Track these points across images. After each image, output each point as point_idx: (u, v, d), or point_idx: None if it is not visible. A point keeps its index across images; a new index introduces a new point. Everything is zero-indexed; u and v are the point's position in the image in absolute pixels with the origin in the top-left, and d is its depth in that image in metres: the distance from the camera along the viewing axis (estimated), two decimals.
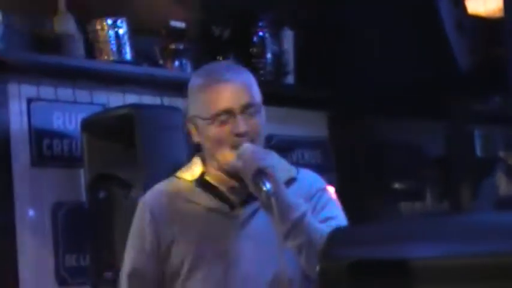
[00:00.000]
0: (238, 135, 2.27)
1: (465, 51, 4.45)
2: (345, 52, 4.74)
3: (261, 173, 2.19)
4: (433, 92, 4.65)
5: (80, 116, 3.95)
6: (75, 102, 4.06)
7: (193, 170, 2.40)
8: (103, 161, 3.75)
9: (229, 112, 2.28)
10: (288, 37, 4.83)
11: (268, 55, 4.68)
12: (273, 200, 2.16)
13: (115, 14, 4.08)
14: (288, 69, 4.81)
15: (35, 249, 3.86)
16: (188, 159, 3.70)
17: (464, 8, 4.54)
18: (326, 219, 2.32)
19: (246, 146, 2.26)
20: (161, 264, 2.35)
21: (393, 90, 4.65)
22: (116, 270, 3.59)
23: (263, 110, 2.36)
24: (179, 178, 2.43)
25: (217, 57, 4.56)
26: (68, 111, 4.04)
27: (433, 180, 5.43)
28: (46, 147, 3.97)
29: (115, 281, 3.59)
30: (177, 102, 4.34)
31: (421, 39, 4.40)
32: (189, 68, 4.41)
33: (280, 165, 2.35)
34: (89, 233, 3.80)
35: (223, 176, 2.35)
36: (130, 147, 3.61)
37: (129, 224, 3.61)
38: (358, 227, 1.37)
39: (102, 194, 3.69)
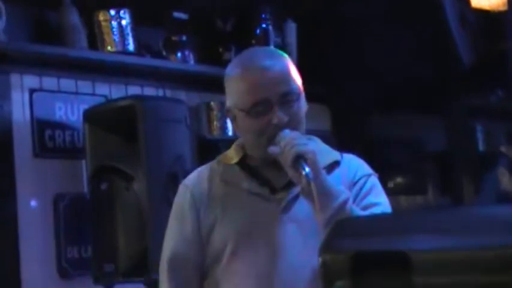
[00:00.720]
0: (277, 126, 2.19)
1: (468, 45, 4.45)
2: (347, 46, 4.73)
3: (301, 158, 2.11)
4: (435, 87, 4.65)
5: (82, 107, 3.95)
6: (77, 93, 4.06)
7: (234, 154, 2.34)
8: (105, 152, 3.75)
9: (266, 102, 2.20)
10: (291, 30, 4.82)
11: (271, 47, 4.67)
12: (312, 185, 2.09)
13: (118, 4, 4.08)
14: None
15: (37, 240, 3.86)
16: (191, 152, 3.73)
17: (468, 1, 4.53)
18: (369, 206, 2.26)
19: (285, 133, 2.18)
20: (203, 249, 2.29)
21: (395, 85, 4.65)
22: (117, 262, 3.61)
23: (303, 96, 2.28)
24: (220, 161, 2.37)
25: (220, 49, 4.56)
26: (70, 102, 4.04)
27: (434, 174, 5.43)
28: (48, 138, 3.97)
29: (116, 272, 3.61)
30: (180, 94, 4.35)
31: (424, 33, 4.39)
32: (191, 60, 4.41)
33: (323, 150, 2.29)
34: (90, 224, 3.80)
35: (263, 161, 2.29)
36: (133, 139, 3.61)
37: (131, 216, 3.64)
38: (360, 219, 1.36)
39: (103, 186, 3.69)
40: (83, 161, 3.89)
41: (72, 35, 3.96)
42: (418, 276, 1.19)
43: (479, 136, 5.55)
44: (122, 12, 4.08)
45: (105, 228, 3.65)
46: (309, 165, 2.10)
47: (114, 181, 3.65)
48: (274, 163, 2.22)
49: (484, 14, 4.71)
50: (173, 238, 2.34)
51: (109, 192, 3.66)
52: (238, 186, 2.30)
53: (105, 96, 4.13)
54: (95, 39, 4.07)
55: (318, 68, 4.81)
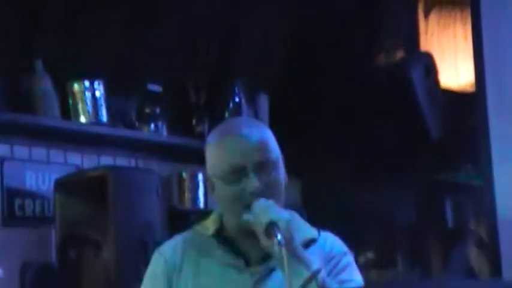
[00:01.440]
0: (253, 194, 2.19)
1: (437, 121, 4.51)
2: (319, 120, 4.78)
3: (274, 225, 2.11)
4: (405, 160, 4.69)
5: (54, 177, 3.94)
6: (48, 162, 4.06)
7: (211, 224, 2.34)
8: (75, 221, 3.73)
9: (242, 170, 2.21)
10: (263, 102, 4.87)
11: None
12: (284, 251, 2.06)
13: (92, 75, 4.11)
14: None
15: None
16: (161, 222, 3.72)
17: (436, 81, 4.61)
18: (344, 282, 2.25)
19: (260, 201, 2.18)
20: None
21: (365, 158, 4.69)
22: None
23: (282, 167, 2.29)
24: (196, 231, 2.37)
25: (193, 121, 4.59)
26: (41, 171, 4.03)
27: (404, 249, 5.44)
28: (18, 207, 3.95)
29: None
30: (152, 164, 4.36)
31: (394, 108, 4.45)
32: (164, 131, 4.44)
33: (300, 226, 2.29)
34: None
35: (239, 233, 2.27)
36: (103, 208, 3.60)
37: (99, 283, 3.60)
38: None
39: (72, 254, 3.67)
40: (52, 230, 3.87)
41: (45, 103, 3.97)
42: None
43: (448, 211, 5.59)
44: (96, 83, 4.11)
45: None
46: (281, 233, 2.09)
47: (83, 249, 3.63)
48: (251, 235, 2.20)
49: (452, 94, 4.79)
50: None
51: (77, 260, 3.64)
52: (212, 257, 2.29)
53: (76, 165, 4.13)
54: (67, 108, 4.09)
55: (289, 141, 4.84)
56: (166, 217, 3.83)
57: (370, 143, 4.58)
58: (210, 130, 4.55)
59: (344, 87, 4.71)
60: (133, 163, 4.30)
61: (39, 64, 3.98)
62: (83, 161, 4.17)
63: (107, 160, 4.21)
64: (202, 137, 4.55)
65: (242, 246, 2.28)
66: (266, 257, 2.23)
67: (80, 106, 4.08)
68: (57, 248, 3.76)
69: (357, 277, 2.32)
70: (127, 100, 4.34)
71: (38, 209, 4.00)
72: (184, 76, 4.56)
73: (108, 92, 4.15)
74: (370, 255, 5.30)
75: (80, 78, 4.08)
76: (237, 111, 4.69)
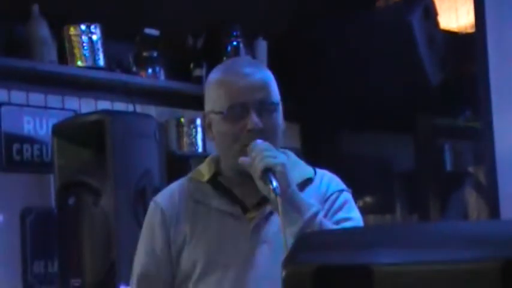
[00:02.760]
0: (252, 131, 2.17)
1: (436, 66, 4.49)
2: (318, 65, 4.76)
3: (269, 171, 2.09)
4: (403, 106, 4.68)
5: (51, 122, 3.94)
6: (46, 107, 4.05)
7: (206, 171, 2.32)
8: (73, 167, 3.73)
9: (244, 107, 2.19)
10: (262, 47, 4.84)
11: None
12: (279, 199, 2.06)
13: (89, 19, 4.07)
14: None
15: (3, 255, 3.84)
16: (160, 167, 3.72)
17: (436, 23, 4.57)
18: (341, 221, 2.25)
19: (257, 143, 2.16)
20: (172, 266, 2.28)
21: (363, 104, 4.68)
22: (84, 277, 3.59)
23: (281, 111, 2.27)
24: (192, 179, 2.35)
25: (191, 66, 4.57)
26: (39, 116, 4.03)
27: (402, 193, 5.46)
28: (16, 152, 3.95)
29: (83, 287, 3.59)
30: (150, 109, 4.35)
31: (393, 52, 4.42)
32: (162, 76, 4.42)
33: (296, 166, 2.28)
34: (57, 239, 3.78)
35: (236, 177, 2.27)
36: (101, 154, 3.60)
37: (98, 230, 3.63)
38: (325, 232, 1.37)
39: (71, 201, 3.67)
40: (51, 176, 3.87)
41: (42, 49, 3.95)
42: None
43: (447, 156, 5.59)
44: (92, 27, 4.08)
45: (72, 243, 3.64)
46: (277, 179, 2.08)
47: (81, 196, 3.64)
48: (247, 179, 2.18)
49: (452, 36, 4.76)
50: (143, 255, 2.32)
51: (76, 207, 3.65)
52: (208, 205, 2.28)
53: (74, 110, 4.12)
54: (64, 53, 4.06)
55: (287, 86, 4.83)
56: (164, 162, 3.83)
57: (370, 88, 4.57)
58: (208, 74, 4.59)
59: (343, 33, 4.68)
60: (131, 108, 4.29)
61: (35, 9, 3.95)
62: (81, 106, 4.16)
63: (104, 105, 4.20)
64: (200, 81, 4.52)
65: (238, 192, 2.28)
66: (262, 201, 2.22)
67: (76, 50, 4.06)
68: (56, 195, 3.77)
69: (355, 214, 2.32)
70: (124, 44, 4.31)
71: (36, 154, 4.00)
72: (182, 20, 4.52)
73: (105, 36, 4.12)
74: (368, 200, 5.32)
75: (77, 22, 4.05)
76: (235, 56, 4.66)
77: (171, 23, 4.45)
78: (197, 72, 4.56)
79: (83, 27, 4.07)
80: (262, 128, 2.18)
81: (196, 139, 4.51)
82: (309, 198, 2.20)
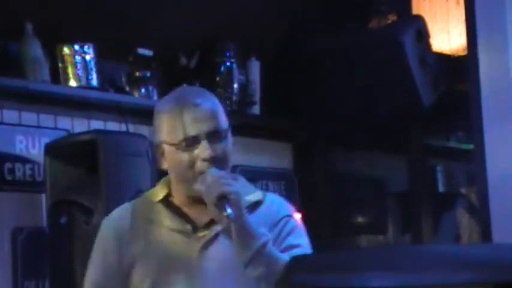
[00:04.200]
0: (204, 160, 2.26)
1: (428, 86, 4.50)
2: (311, 84, 4.77)
3: (224, 199, 2.19)
4: (396, 126, 4.69)
5: (44, 141, 3.93)
6: (38, 126, 4.04)
7: (158, 191, 2.41)
8: (65, 186, 3.72)
9: (196, 138, 2.28)
10: (255, 67, 4.85)
11: (235, 85, 4.70)
12: (233, 226, 2.17)
13: (82, 39, 4.08)
14: (254, 100, 4.84)
15: None
16: (152, 186, 3.71)
17: (428, 45, 4.59)
18: (290, 248, 2.32)
19: (211, 171, 2.25)
20: (123, 283, 2.34)
21: (357, 124, 4.69)
22: None
23: (230, 137, 2.36)
24: (144, 198, 2.44)
25: (183, 86, 4.57)
26: (31, 136, 4.02)
27: (395, 214, 5.46)
28: (8, 171, 3.94)
29: None
30: (142, 129, 4.34)
31: (386, 73, 4.44)
32: (155, 96, 4.42)
33: (246, 189, 2.35)
34: (48, 258, 3.76)
35: (187, 199, 2.35)
36: (93, 173, 3.59)
37: (90, 250, 3.61)
38: (317, 255, 1.37)
39: (63, 220, 3.66)
40: (43, 195, 3.86)
41: (35, 68, 3.95)
42: None
43: (439, 177, 5.60)
44: (86, 46, 4.09)
45: (64, 262, 3.62)
46: (231, 206, 2.17)
47: (73, 215, 3.63)
48: (198, 201, 2.28)
49: (444, 57, 4.78)
50: (95, 271, 2.39)
51: (68, 226, 3.63)
52: (160, 224, 2.36)
53: (67, 130, 4.12)
54: (57, 73, 4.06)
55: (280, 105, 4.84)
56: (156, 182, 3.82)
57: (363, 108, 4.58)
58: None
59: (336, 53, 4.70)
60: (123, 127, 4.29)
61: (28, 28, 3.95)
62: (73, 126, 4.15)
63: (97, 124, 4.19)
64: None
65: (189, 212, 2.36)
66: (212, 222, 2.30)
67: (69, 70, 4.06)
68: (48, 214, 3.76)
69: (304, 241, 2.39)
70: (117, 64, 4.32)
71: (28, 173, 3.99)
72: (175, 40, 4.53)
73: (99, 56, 4.12)
74: (361, 220, 5.32)
75: (70, 41, 4.05)
76: (228, 76, 4.68)
77: (164, 43, 4.46)
78: None
79: (76, 47, 4.07)
80: (214, 156, 2.27)
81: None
82: (258, 221, 2.28)
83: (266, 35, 4.77)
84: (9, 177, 3.93)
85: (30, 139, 4.02)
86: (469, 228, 5.22)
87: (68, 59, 4.06)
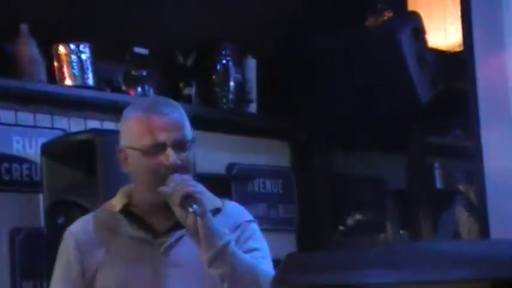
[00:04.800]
0: (169, 167, 2.33)
1: (426, 84, 4.50)
2: (308, 83, 4.77)
3: (189, 198, 2.26)
4: (394, 125, 4.69)
5: (40, 141, 3.92)
6: (35, 126, 4.04)
7: (118, 202, 2.46)
8: (63, 186, 3.72)
9: (162, 145, 2.35)
10: (251, 66, 4.85)
11: (231, 83, 4.69)
12: (199, 221, 2.24)
13: (78, 39, 4.07)
14: (251, 98, 4.83)
15: None
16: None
17: (425, 42, 4.59)
18: (250, 251, 2.39)
19: (175, 176, 2.33)
20: None
21: (355, 122, 4.68)
22: None
23: (193, 147, 2.43)
24: (105, 209, 2.50)
25: (180, 85, 4.57)
26: (28, 136, 4.01)
27: (393, 212, 5.46)
28: (5, 171, 3.93)
29: None
30: None
31: (383, 71, 4.44)
32: (151, 95, 4.41)
33: (206, 197, 2.40)
34: (46, 259, 3.75)
35: (149, 207, 2.41)
36: (91, 173, 3.59)
37: None
38: (313, 253, 1.37)
39: (60, 220, 3.65)
40: (40, 195, 3.86)
41: (31, 68, 3.94)
42: None
43: (438, 174, 5.60)
44: (81, 46, 4.08)
45: None
46: (197, 204, 2.25)
47: (71, 215, 3.61)
48: (159, 208, 2.36)
49: (441, 54, 4.78)
50: (58, 283, 2.45)
51: (66, 226, 3.60)
52: (121, 233, 2.41)
53: (63, 130, 4.11)
54: (53, 73, 4.06)
55: (277, 104, 4.84)
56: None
57: (361, 106, 4.57)
58: (197, 93, 4.60)
59: (333, 51, 4.69)
60: (120, 127, 4.27)
61: (24, 28, 3.94)
62: (70, 125, 4.15)
63: (93, 124, 4.19)
64: (189, 100, 4.53)
65: (149, 220, 2.41)
66: (173, 227, 2.37)
67: (66, 69, 4.05)
68: (46, 214, 3.76)
69: (263, 245, 2.46)
70: (113, 63, 4.31)
71: (25, 174, 3.99)
72: (171, 39, 4.52)
73: (95, 55, 4.12)
74: (359, 218, 5.32)
75: (66, 41, 4.05)
76: (225, 74, 4.67)
77: (160, 42, 4.45)
78: (187, 91, 4.56)
79: (72, 46, 4.07)
80: (178, 163, 2.35)
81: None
82: (220, 226, 2.34)
83: (264, 34, 4.76)
84: (6, 178, 3.92)
85: (27, 139, 4.01)
86: (467, 226, 5.22)
87: (64, 58, 4.05)
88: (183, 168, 2.35)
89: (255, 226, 2.48)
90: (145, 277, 2.36)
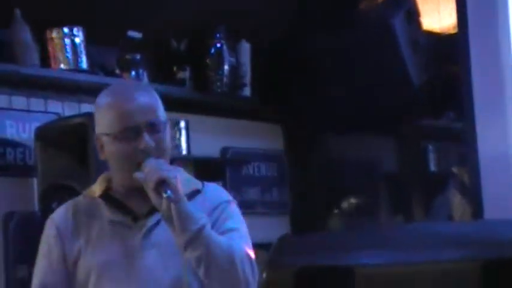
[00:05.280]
0: (144, 151, 2.33)
1: (419, 67, 4.50)
2: (300, 66, 4.76)
3: (163, 183, 2.25)
4: (387, 108, 4.69)
5: (34, 125, 3.92)
6: (29, 111, 4.03)
7: (97, 188, 2.47)
8: (56, 170, 3.72)
9: (135, 129, 2.34)
10: (245, 50, 4.84)
11: (225, 67, 4.69)
12: (173, 207, 2.23)
13: (71, 22, 4.06)
14: (245, 82, 4.83)
15: None
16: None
17: (419, 25, 4.59)
18: (228, 231, 2.38)
19: (149, 161, 2.32)
20: (69, 279, 2.41)
21: (347, 106, 4.69)
22: None
23: (168, 129, 2.42)
24: (85, 195, 2.51)
25: (174, 69, 4.56)
26: (22, 120, 4.01)
27: (387, 196, 5.47)
28: None
29: None
30: None
31: (376, 55, 4.43)
32: (145, 78, 4.40)
33: (185, 179, 2.39)
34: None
35: (128, 192, 2.41)
36: (85, 157, 3.59)
37: None
38: (305, 236, 1.38)
39: (54, 205, 3.65)
40: (34, 179, 3.86)
41: (24, 52, 3.93)
42: None
43: (431, 157, 5.61)
44: (75, 30, 4.07)
45: None
46: (171, 189, 2.24)
47: (65, 199, 3.58)
48: (138, 192, 2.35)
49: (435, 37, 4.77)
50: (41, 270, 2.46)
51: None
52: (101, 218, 2.42)
53: (57, 114, 4.10)
54: (47, 57, 4.05)
55: (271, 88, 4.84)
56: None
57: (354, 90, 4.57)
58: (191, 77, 4.59)
59: (326, 35, 4.68)
60: None
61: (17, 13, 3.93)
62: (64, 109, 4.14)
63: (87, 108, 4.17)
64: (183, 84, 4.52)
65: (129, 203, 2.42)
66: (152, 210, 2.36)
67: (59, 53, 4.04)
68: (39, 199, 3.76)
69: (242, 225, 2.45)
70: (107, 47, 4.30)
71: (19, 158, 3.98)
72: (165, 23, 4.51)
73: (88, 39, 4.11)
74: (352, 201, 5.33)
75: (59, 25, 4.04)
76: (218, 58, 4.67)
77: (154, 26, 4.44)
78: (180, 74, 4.56)
79: (65, 30, 4.06)
80: (154, 147, 2.34)
81: (180, 141, 4.50)
82: (197, 208, 2.34)
83: (257, 18, 4.75)
84: (0, 162, 3.92)
85: (21, 123, 4.01)
86: (461, 208, 5.23)
87: (57, 42, 4.04)
88: (158, 150, 2.35)
89: (234, 206, 2.47)
90: (126, 260, 2.36)
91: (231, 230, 2.39)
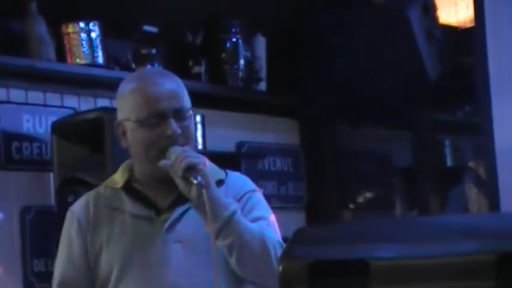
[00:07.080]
0: (170, 137, 2.28)
1: (435, 60, 4.48)
2: (317, 60, 4.76)
3: (192, 169, 2.19)
4: (403, 101, 4.68)
5: (50, 120, 3.93)
6: (45, 105, 4.04)
7: (119, 178, 2.42)
8: (73, 164, 3.73)
9: (161, 115, 2.29)
10: (261, 43, 4.83)
11: (241, 61, 4.68)
12: (204, 192, 2.16)
13: (87, 17, 4.07)
14: (260, 76, 4.83)
15: (3, 253, 3.83)
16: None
17: (435, 18, 4.57)
18: (255, 220, 2.34)
19: (176, 148, 2.27)
20: (91, 273, 2.37)
21: (363, 99, 4.68)
22: None
23: (193, 118, 2.38)
24: (106, 186, 2.45)
25: (190, 63, 4.56)
26: (38, 115, 4.02)
27: (402, 189, 5.46)
28: (15, 150, 3.94)
29: None
30: None
31: (391, 48, 4.42)
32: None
33: (209, 168, 2.34)
34: (57, 237, 3.77)
35: (150, 182, 2.36)
36: (100, 151, 3.59)
37: None
38: (321, 227, 1.37)
39: (71, 198, 3.66)
40: (51, 173, 3.87)
41: (40, 47, 3.94)
42: (377, 284, 1.20)
43: (447, 151, 5.59)
44: (91, 24, 4.07)
45: None
46: (200, 176, 2.18)
47: (81, 193, 3.60)
48: (160, 183, 2.30)
49: (451, 30, 4.75)
50: (62, 264, 2.41)
51: None
52: (123, 211, 2.36)
53: (73, 108, 4.12)
54: (63, 51, 4.05)
55: (287, 82, 4.83)
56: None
57: (369, 83, 4.56)
58: (206, 71, 4.59)
59: (342, 28, 4.68)
60: None
61: (33, 6, 3.94)
62: (80, 104, 4.15)
63: (103, 102, 4.19)
64: (199, 78, 4.52)
65: (152, 195, 2.36)
66: (175, 203, 2.32)
67: (75, 48, 4.05)
68: (56, 193, 3.77)
69: (268, 213, 2.40)
70: (123, 41, 4.31)
71: (35, 152, 4.00)
72: (181, 17, 4.51)
73: (104, 34, 4.11)
74: (367, 196, 5.32)
75: (75, 19, 4.04)
76: (234, 52, 4.66)
77: (169, 20, 4.44)
78: (196, 69, 4.56)
79: (81, 24, 4.06)
80: (180, 133, 2.28)
81: (195, 136, 4.51)
82: (224, 195, 2.29)
83: (272, 11, 4.75)
84: (16, 156, 3.94)
85: (37, 118, 4.02)
86: (477, 202, 5.21)
87: (73, 36, 4.05)
88: (183, 137, 2.29)
89: (259, 195, 2.43)
90: (149, 254, 2.32)
91: (258, 218, 2.34)
